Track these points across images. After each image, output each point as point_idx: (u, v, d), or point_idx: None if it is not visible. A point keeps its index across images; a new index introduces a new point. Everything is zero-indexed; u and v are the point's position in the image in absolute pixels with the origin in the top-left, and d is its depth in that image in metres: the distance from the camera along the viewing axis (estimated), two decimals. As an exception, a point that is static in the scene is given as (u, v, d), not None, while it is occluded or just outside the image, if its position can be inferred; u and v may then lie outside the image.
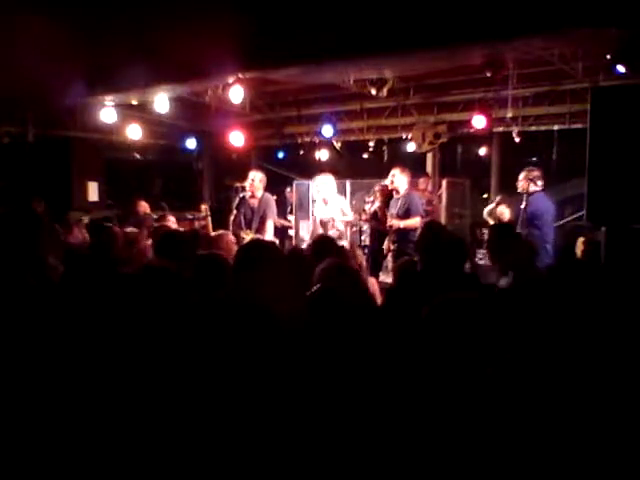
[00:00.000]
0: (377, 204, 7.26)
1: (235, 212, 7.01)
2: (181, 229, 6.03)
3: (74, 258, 2.79)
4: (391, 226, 6.55)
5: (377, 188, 7.37)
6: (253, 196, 6.88)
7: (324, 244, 3.82)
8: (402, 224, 6.43)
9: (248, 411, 1.72)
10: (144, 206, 8.33)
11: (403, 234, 6.44)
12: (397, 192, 6.73)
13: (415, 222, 6.37)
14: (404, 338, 2.10)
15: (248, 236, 6.76)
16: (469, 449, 1.64)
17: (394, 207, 6.71)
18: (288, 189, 9.85)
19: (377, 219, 7.28)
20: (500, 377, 1.79)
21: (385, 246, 6.93)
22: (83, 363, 1.97)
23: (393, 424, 1.74)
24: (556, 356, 1.93)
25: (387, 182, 6.84)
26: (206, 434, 1.68)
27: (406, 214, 6.50)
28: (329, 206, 7.35)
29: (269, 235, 6.81)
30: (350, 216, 7.64)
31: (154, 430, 1.72)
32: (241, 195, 6.97)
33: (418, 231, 3.78)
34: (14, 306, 2.12)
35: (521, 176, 5.94)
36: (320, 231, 7.40)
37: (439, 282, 3.05)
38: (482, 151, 10.13)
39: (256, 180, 6.87)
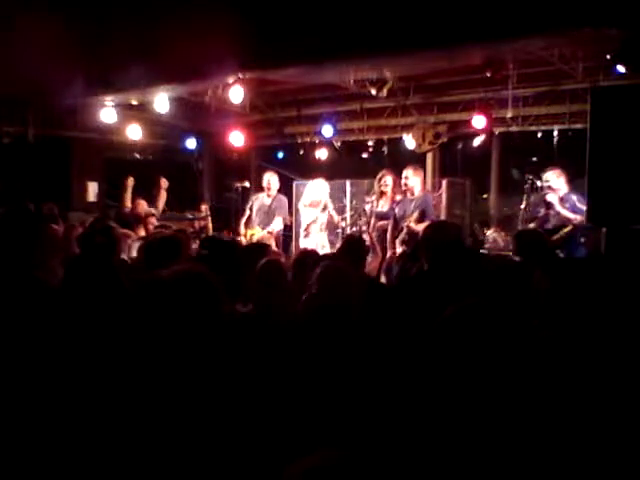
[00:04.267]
0: (387, 206, 6.80)
1: (248, 212, 7.64)
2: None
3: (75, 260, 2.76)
4: (408, 227, 6.12)
5: (381, 182, 6.88)
6: (268, 196, 7.53)
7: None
8: (420, 228, 6.08)
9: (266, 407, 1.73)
10: (142, 205, 8.31)
11: (414, 236, 6.12)
12: (412, 193, 6.41)
13: None
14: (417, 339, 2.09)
15: (257, 234, 7.29)
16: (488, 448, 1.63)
17: (404, 209, 6.37)
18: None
19: (395, 221, 6.59)
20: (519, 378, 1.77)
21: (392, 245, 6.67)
22: (90, 361, 1.95)
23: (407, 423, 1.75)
24: (564, 357, 1.91)
25: (401, 183, 6.49)
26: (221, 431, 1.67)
27: (421, 216, 6.15)
28: (312, 209, 7.60)
29: (276, 227, 7.38)
30: (335, 218, 7.83)
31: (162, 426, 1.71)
32: (255, 196, 7.71)
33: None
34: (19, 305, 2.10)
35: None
36: (302, 232, 7.79)
37: (444, 282, 3.03)
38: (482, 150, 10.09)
39: (272, 181, 7.56)
